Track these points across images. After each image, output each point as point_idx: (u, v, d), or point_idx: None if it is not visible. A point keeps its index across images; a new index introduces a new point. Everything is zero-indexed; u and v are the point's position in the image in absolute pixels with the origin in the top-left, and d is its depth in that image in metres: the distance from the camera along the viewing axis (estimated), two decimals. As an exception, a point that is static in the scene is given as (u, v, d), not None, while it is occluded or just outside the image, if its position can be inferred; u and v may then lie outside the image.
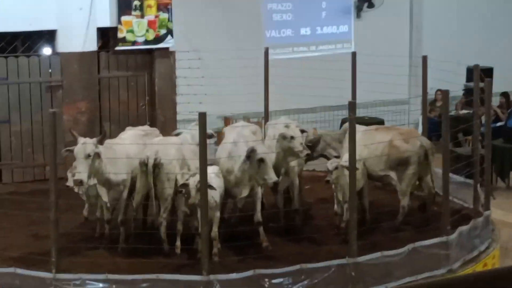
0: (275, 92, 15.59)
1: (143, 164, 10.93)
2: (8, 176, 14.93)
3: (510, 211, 15.02)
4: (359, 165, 11.30)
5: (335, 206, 11.61)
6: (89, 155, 10.61)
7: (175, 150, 11.18)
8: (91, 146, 10.67)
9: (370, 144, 12.00)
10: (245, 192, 11.09)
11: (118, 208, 11.36)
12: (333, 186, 11.46)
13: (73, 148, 10.84)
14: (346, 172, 11.04)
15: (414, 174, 12.06)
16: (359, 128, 12.21)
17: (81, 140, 10.76)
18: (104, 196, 11.17)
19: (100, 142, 10.90)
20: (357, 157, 11.11)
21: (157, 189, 10.96)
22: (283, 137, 11.47)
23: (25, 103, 14.96)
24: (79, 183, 10.57)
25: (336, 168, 11.25)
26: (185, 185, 10.44)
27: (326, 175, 11.60)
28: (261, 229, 11.15)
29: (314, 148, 12.53)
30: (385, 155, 11.96)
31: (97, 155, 10.75)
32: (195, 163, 10.93)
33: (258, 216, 11.13)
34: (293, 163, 11.90)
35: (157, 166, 10.93)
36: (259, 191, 11.20)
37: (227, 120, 16.86)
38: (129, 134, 12.01)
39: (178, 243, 10.91)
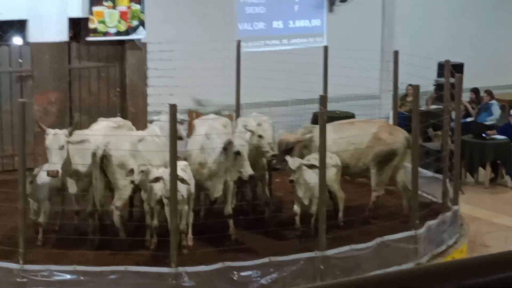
0: (247, 85, 15.58)
1: (93, 155, 10.87)
2: (-23, 166, 14.82)
3: (478, 206, 15.12)
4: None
5: (295, 206, 11.45)
6: (62, 146, 10.59)
7: (128, 142, 11.09)
8: (63, 137, 10.64)
9: (353, 137, 12.01)
10: (219, 188, 11.06)
11: (86, 200, 11.31)
12: (295, 185, 11.34)
13: (45, 128, 10.85)
14: (307, 171, 11.09)
15: (395, 166, 12.16)
16: (332, 124, 12.21)
17: (51, 131, 10.71)
18: (73, 187, 11.13)
19: (71, 133, 10.87)
20: (340, 151, 11.23)
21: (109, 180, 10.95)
22: (251, 133, 11.50)
23: (-6, 93, 14.84)
24: (56, 173, 10.51)
25: (299, 167, 11.20)
26: (158, 178, 10.39)
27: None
28: (231, 221, 11.14)
29: (289, 153, 11.96)
30: (370, 149, 12.00)
31: (67, 146, 10.74)
32: (159, 156, 10.88)
33: (229, 208, 11.12)
34: None
35: (105, 157, 10.86)
36: (231, 184, 11.18)
37: (191, 113, 16.80)
38: (101, 125, 11.95)
39: (148, 236, 10.85)
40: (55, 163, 10.52)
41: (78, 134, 11.35)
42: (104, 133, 11.49)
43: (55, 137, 10.60)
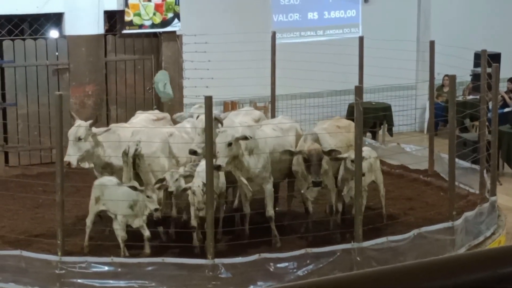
0: (282, 76, 15.56)
1: (124, 154, 10.71)
2: (15, 159, 14.95)
3: (516, 197, 15.00)
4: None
5: (339, 204, 11.30)
6: (79, 138, 10.59)
7: (160, 140, 10.98)
8: (82, 129, 10.65)
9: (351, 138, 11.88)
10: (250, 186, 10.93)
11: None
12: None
13: (75, 118, 10.93)
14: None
15: None
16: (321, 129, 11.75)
17: (76, 122, 10.77)
18: None
19: (91, 126, 10.86)
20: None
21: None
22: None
23: (32, 86, 14.97)
24: (67, 165, 10.50)
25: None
26: (186, 189, 10.32)
27: None
28: (272, 224, 11.01)
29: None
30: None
31: (91, 138, 10.73)
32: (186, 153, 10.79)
33: (270, 211, 11.01)
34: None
35: (137, 156, 10.74)
36: (269, 187, 11.00)
37: (227, 105, 16.84)
38: (140, 119, 11.92)
39: (195, 238, 10.68)
40: (69, 154, 10.52)
41: (113, 127, 11.44)
42: (142, 126, 11.46)
43: (75, 128, 10.63)
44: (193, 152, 10.43)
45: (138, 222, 10.41)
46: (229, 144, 10.35)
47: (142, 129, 11.21)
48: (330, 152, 10.89)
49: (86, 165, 10.91)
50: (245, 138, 10.47)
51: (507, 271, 2.23)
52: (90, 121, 10.94)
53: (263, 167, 10.83)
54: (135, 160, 10.75)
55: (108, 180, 10.68)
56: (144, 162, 10.79)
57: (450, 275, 2.22)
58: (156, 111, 12.85)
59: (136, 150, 10.67)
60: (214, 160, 10.06)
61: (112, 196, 10.45)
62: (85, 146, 10.68)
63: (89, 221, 10.67)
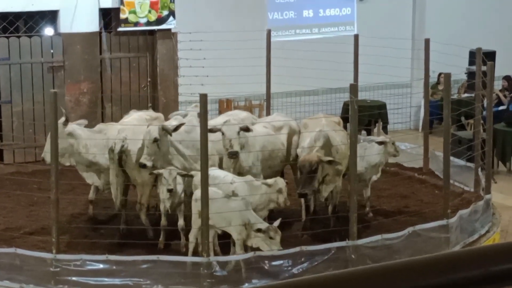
0: (277, 74, 15.56)
1: (111, 151, 10.67)
2: (10, 157, 14.94)
3: (510, 195, 15.00)
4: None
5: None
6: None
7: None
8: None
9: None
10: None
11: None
12: None
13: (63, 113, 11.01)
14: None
15: None
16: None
17: (61, 119, 10.81)
18: (92, 179, 11.16)
19: (65, 124, 10.91)
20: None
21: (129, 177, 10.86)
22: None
23: (26, 84, 14.95)
24: (42, 160, 10.62)
25: None
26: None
27: None
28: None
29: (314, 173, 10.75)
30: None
31: (67, 136, 10.77)
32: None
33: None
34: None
35: (124, 152, 10.70)
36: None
37: (222, 103, 16.83)
38: (133, 118, 11.90)
39: (161, 238, 10.67)
40: (46, 151, 10.65)
41: (99, 126, 11.47)
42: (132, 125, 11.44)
43: None
44: (142, 166, 10.40)
45: (251, 242, 9.89)
46: (155, 140, 10.40)
47: (128, 126, 11.17)
48: (330, 162, 10.85)
49: (66, 162, 10.96)
50: (247, 129, 10.53)
51: (500, 268, 2.24)
52: (64, 119, 11.00)
53: (253, 164, 10.85)
54: (121, 157, 10.73)
55: (214, 192, 9.93)
56: (131, 159, 10.77)
57: (443, 272, 2.23)
58: (150, 111, 12.83)
59: (122, 146, 10.65)
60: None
61: (221, 210, 9.78)
62: (61, 144, 10.67)
63: (192, 236, 10.15)
